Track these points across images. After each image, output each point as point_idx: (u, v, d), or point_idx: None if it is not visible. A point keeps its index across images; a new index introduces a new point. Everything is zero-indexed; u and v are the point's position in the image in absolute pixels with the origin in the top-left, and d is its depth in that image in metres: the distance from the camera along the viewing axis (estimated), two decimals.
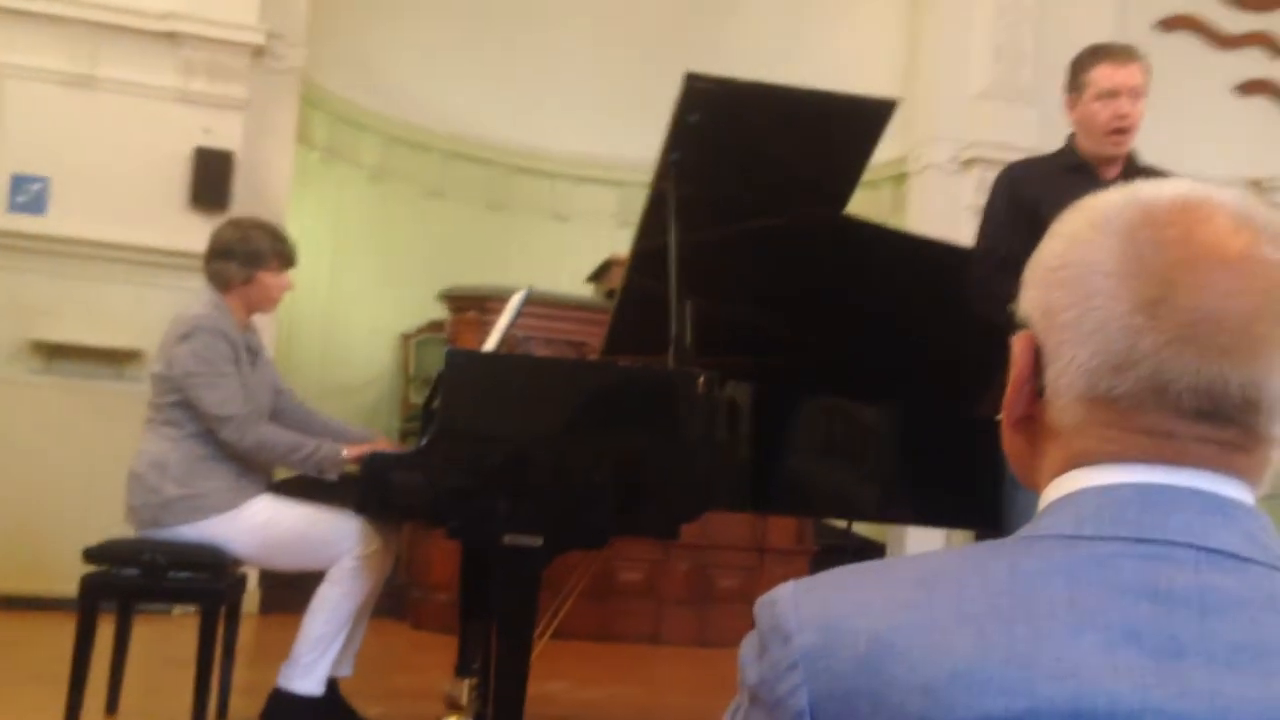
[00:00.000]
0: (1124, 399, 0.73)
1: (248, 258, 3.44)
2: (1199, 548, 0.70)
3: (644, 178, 3.28)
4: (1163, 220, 0.74)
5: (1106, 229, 0.75)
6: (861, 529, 6.46)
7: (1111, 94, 3.16)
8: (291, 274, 3.58)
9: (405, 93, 7.43)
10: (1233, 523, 0.71)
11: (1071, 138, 3.32)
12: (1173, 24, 7.32)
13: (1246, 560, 0.70)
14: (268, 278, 3.48)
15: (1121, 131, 3.17)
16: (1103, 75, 3.17)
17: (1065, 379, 0.75)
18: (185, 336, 3.31)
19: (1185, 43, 7.30)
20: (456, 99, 7.60)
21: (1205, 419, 0.72)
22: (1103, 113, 3.17)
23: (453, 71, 7.59)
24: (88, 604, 3.18)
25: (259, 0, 5.78)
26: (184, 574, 3.22)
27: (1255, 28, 7.48)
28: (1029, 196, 3.14)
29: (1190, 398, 0.72)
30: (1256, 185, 7.20)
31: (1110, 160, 3.24)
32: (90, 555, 3.22)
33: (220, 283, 3.45)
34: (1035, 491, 0.81)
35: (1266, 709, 0.65)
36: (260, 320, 3.75)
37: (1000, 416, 0.84)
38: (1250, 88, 7.48)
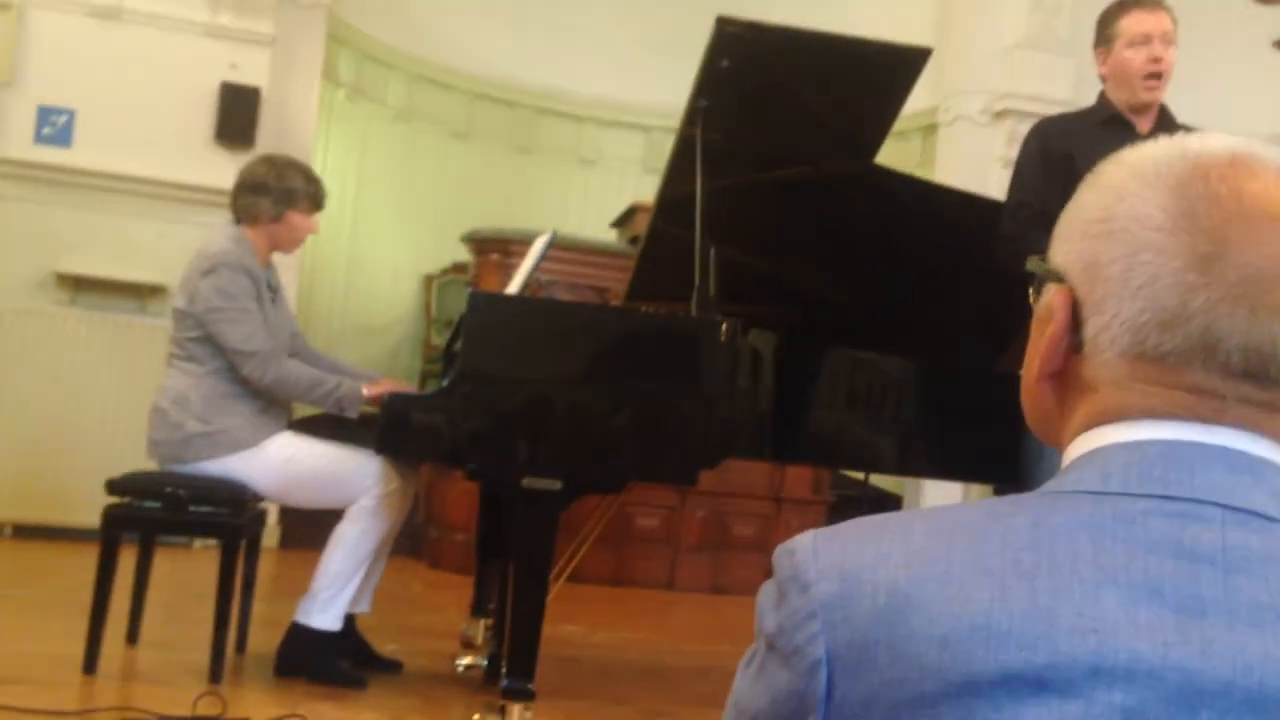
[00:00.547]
0: (1171, 355, 0.71)
1: (281, 195, 3.44)
2: (1225, 506, 0.69)
3: (672, 123, 3.26)
4: (1214, 175, 0.72)
5: (1155, 182, 0.73)
6: (879, 480, 6.47)
7: (1144, 39, 3.16)
8: (318, 217, 3.57)
9: (432, 32, 7.38)
10: (1262, 482, 0.70)
11: (1103, 94, 3.29)
12: None
13: (1273, 520, 0.69)
14: (297, 218, 3.48)
15: (1156, 76, 3.15)
16: (1134, 22, 3.17)
17: (1108, 334, 0.74)
18: (208, 271, 3.31)
19: None
20: (483, 39, 7.54)
21: (1250, 379, 0.71)
22: (1136, 58, 3.16)
23: (480, 11, 7.53)
24: (110, 535, 3.22)
25: None
26: (205, 508, 3.25)
27: None
28: (1062, 151, 3.11)
29: (1239, 356, 0.70)
30: None
31: (1145, 110, 3.21)
32: (113, 487, 3.25)
33: (249, 217, 3.45)
34: (1052, 446, 0.80)
35: None
36: (282, 260, 3.76)
37: (1023, 370, 0.82)
38: None
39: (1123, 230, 0.74)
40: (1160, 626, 0.64)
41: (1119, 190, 0.75)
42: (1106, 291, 0.74)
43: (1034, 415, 0.83)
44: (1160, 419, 0.72)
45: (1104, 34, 3.24)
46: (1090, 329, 0.75)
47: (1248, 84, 6.99)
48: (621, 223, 5.90)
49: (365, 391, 3.27)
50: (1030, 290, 0.83)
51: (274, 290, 3.52)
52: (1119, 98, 3.23)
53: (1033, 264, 0.82)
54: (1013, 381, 0.90)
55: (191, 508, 3.24)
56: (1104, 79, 3.28)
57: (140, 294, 5.49)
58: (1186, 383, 0.72)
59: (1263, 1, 6.42)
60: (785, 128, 3.27)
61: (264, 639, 3.45)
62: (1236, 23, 7.07)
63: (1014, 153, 6.76)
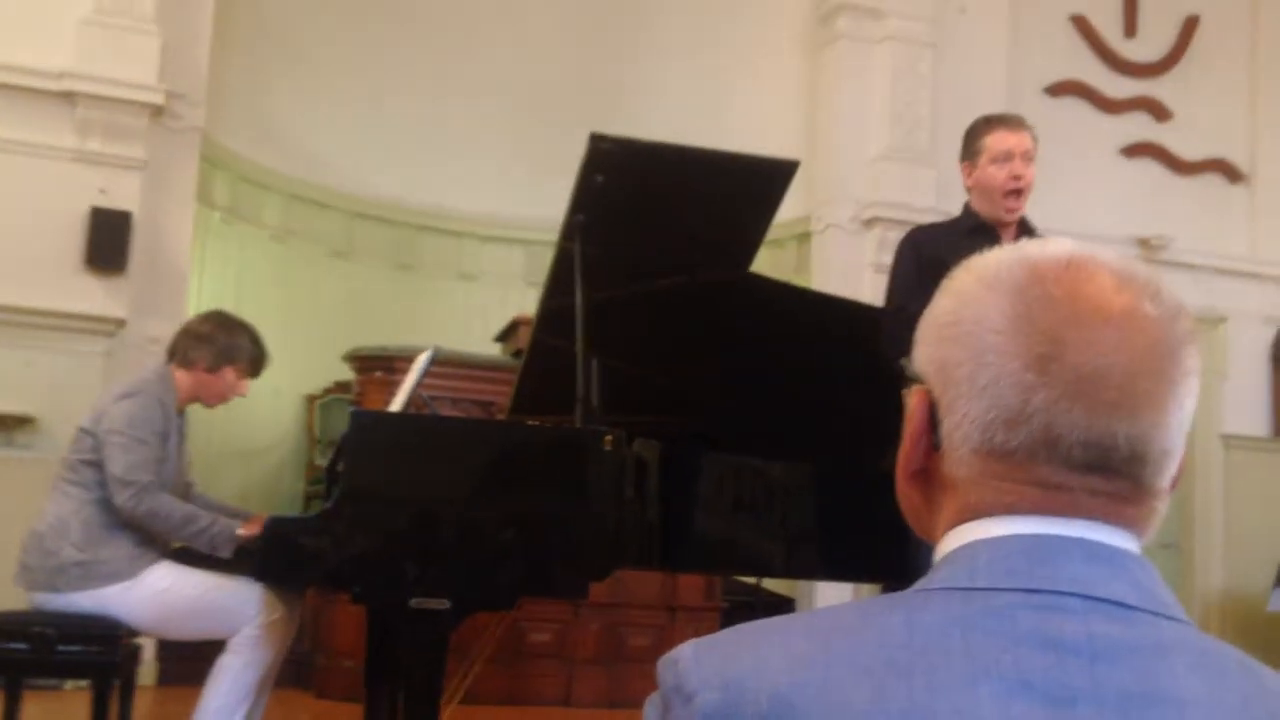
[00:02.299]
0: (1018, 452, 0.74)
1: (225, 349, 3.46)
2: (1088, 597, 0.71)
3: (551, 237, 3.29)
4: (1050, 278, 0.76)
5: (997, 287, 0.77)
6: (771, 584, 6.48)
7: (1006, 156, 3.31)
8: (249, 383, 3.58)
9: (308, 152, 7.38)
10: (1121, 572, 0.73)
11: (968, 204, 3.45)
12: (1060, 89, 7.59)
13: (1133, 608, 0.72)
14: (232, 375, 3.49)
15: (1017, 193, 3.32)
16: (997, 140, 3.34)
17: (960, 432, 0.77)
18: (125, 396, 3.30)
19: (1073, 107, 7.58)
20: (360, 158, 7.57)
21: (1095, 471, 0.74)
22: (999, 174, 3.32)
23: (356, 130, 7.56)
24: None
25: (158, 59, 5.70)
26: (75, 647, 3.11)
27: (1140, 93, 7.79)
28: (933, 257, 3.23)
29: (1080, 451, 0.73)
30: (1144, 243, 7.46)
31: (1007, 224, 3.36)
32: None
33: (184, 360, 3.44)
34: (929, 541, 0.82)
35: None
36: None
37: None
38: (1136, 150, 7.78)
39: (967, 334, 0.77)
40: (1032, 719, 0.66)
41: (964, 295, 0.79)
42: (957, 392, 0.77)
43: (907, 512, 0.86)
44: (1018, 514, 0.75)
45: (970, 148, 3.41)
46: (945, 428, 0.78)
47: (1100, 190, 7.36)
48: (504, 337, 5.91)
49: (240, 531, 3.19)
50: (904, 391, 0.86)
51: (182, 437, 3.47)
52: (983, 209, 3.39)
53: (905, 366, 0.85)
54: (894, 481, 0.92)
55: (60, 647, 3.09)
56: (969, 190, 3.44)
57: (7, 425, 5.29)
58: (1035, 478, 0.75)
59: None
60: (661, 239, 3.33)
61: None
62: (1088, 131, 7.47)
63: (884, 258, 7.01)
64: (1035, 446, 0.74)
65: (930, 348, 0.81)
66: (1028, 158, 3.33)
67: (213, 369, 3.45)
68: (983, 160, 3.34)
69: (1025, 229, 3.40)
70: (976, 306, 0.77)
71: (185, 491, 3.53)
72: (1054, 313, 0.75)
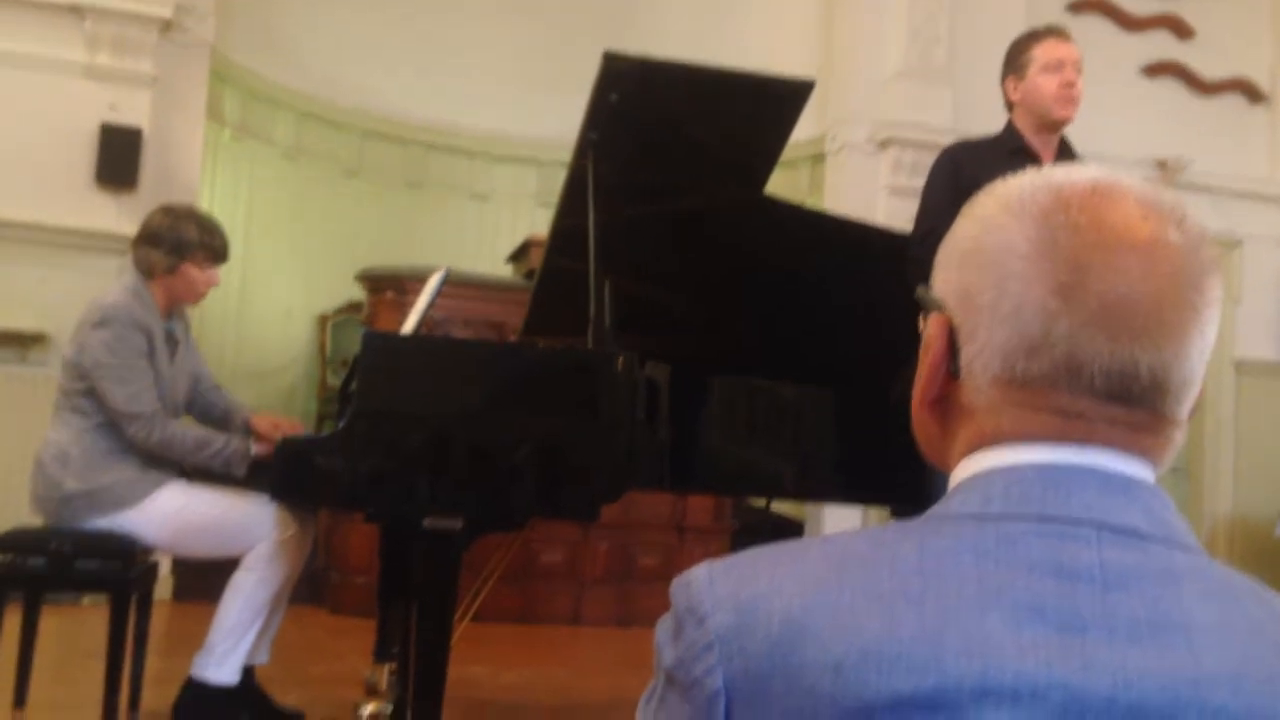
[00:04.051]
0: (1038, 380, 0.74)
1: (174, 247, 3.35)
2: (1100, 525, 0.71)
3: (564, 157, 3.26)
4: (1075, 205, 0.75)
5: (1021, 213, 0.76)
6: (780, 507, 6.53)
7: (1059, 65, 3.28)
8: (219, 270, 3.50)
9: (319, 69, 7.31)
10: (1134, 501, 0.73)
11: (1010, 123, 3.38)
12: (1082, 6, 7.45)
13: (1146, 537, 0.72)
14: (193, 270, 3.38)
15: (1070, 100, 3.26)
16: (1048, 49, 3.30)
17: (980, 360, 0.76)
18: (99, 324, 3.22)
19: (1095, 25, 7.44)
20: (371, 75, 7.49)
21: (1116, 400, 0.74)
22: (1050, 82, 3.28)
23: (367, 47, 7.48)
24: None
25: None
26: (93, 562, 3.14)
27: (1162, 10, 7.65)
28: (973, 177, 3.17)
29: (1102, 379, 0.73)
30: (1163, 165, 7.37)
31: (1055, 130, 3.33)
32: None
33: (144, 269, 3.36)
34: (941, 468, 0.82)
35: (1166, 681, 0.66)
36: None
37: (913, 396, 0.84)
38: (1158, 69, 7.65)
39: (991, 261, 0.76)
40: (1043, 645, 0.66)
41: (987, 221, 0.78)
42: (979, 320, 0.76)
43: (921, 440, 0.85)
44: (1035, 442, 0.75)
45: (1016, 62, 3.35)
46: (965, 356, 0.78)
47: (1119, 111, 7.25)
48: (516, 257, 5.89)
49: (254, 450, 3.20)
50: (920, 318, 0.85)
51: (175, 342, 3.43)
52: (1027, 127, 3.33)
53: (920, 292, 0.84)
54: (908, 405, 0.92)
55: (78, 562, 3.13)
56: (1012, 106, 3.38)
57: (21, 342, 5.32)
58: (1054, 405, 0.74)
59: None
60: (675, 160, 3.30)
61: (159, 696, 3.34)
62: (1109, 50, 7.33)
63: (900, 180, 6.94)
64: (1057, 374, 0.74)
65: (951, 273, 0.80)
66: (1078, 68, 3.29)
67: (171, 269, 3.35)
68: (1032, 70, 3.29)
69: (1067, 152, 3.36)
70: (1000, 233, 0.76)
71: (201, 386, 3.51)
72: (1078, 239, 0.74)
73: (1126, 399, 0.74)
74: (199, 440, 3.23)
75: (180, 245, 3.35)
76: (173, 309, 3.44)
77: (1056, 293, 0.73)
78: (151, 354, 3.29)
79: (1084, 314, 0.73)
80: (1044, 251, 0.74)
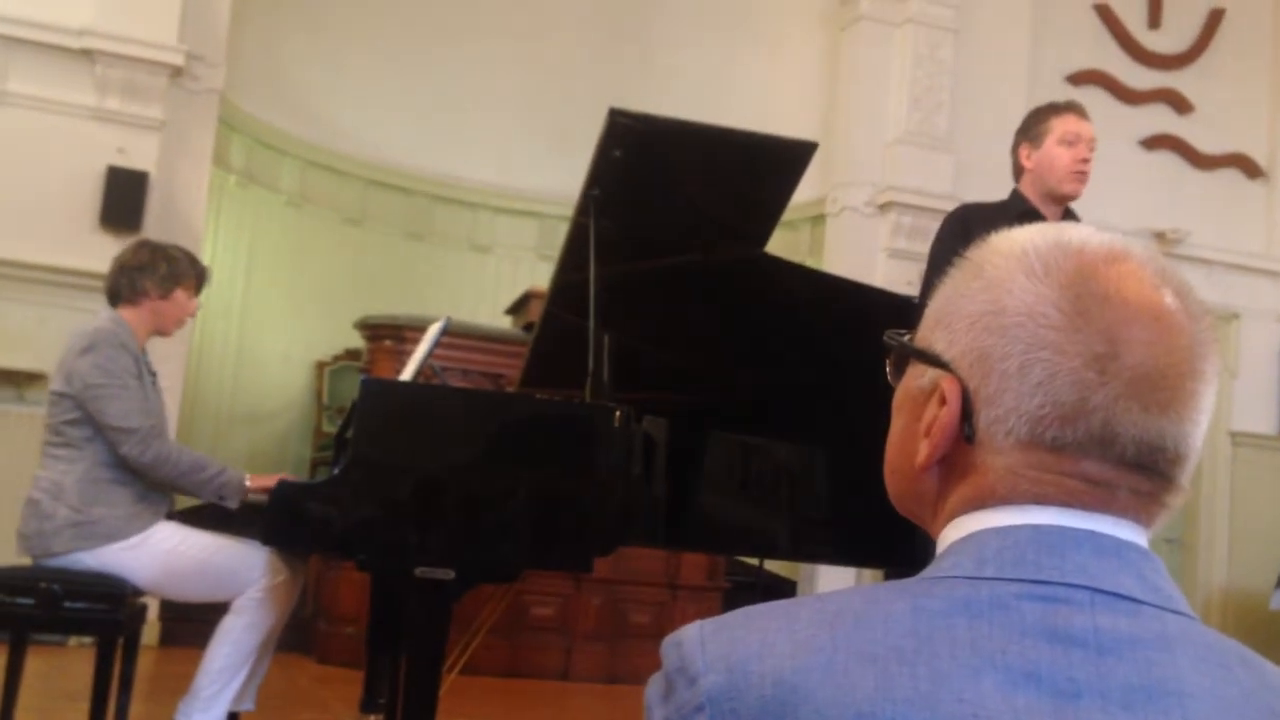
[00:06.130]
0: (1070, 446, 0.74)
1: (168, 274, 3.39)
2: (1094, 589, 0.71)
3: (565, 211, 3.29)
4: (1099, 274, 0.75)
5: (1044, 277, 0.76)
6: (773, 566, 6.50)
7: (1075, 139, 3.36)
8: (198, 301, 3.53)
9: (325, 118, 7.38)
10: (1126, 565, 0.73)
11: (1017, 190, 3.44)
12: (1082, 79, 7.54)
13: (1140, 602, 0.72)
14: (183, 296, 3.42)
15: (1082, 175, 3.33)
16: (1068, 122, 3.38)
17: (1004, 425, 0.76)
18: (86, 349, 3.22)
19: (1094, 97, 7.52)
20: (377, 126, 7.56)
21: (1141, 470, 0.75)
22: (1064, 156, 3.36)
23: (374, 98, 7.56)
24: None
25: (178, 20, 5.70)
26: (80, 604, 3.11)
27: (1161, 84, 7.74)
28: (980, 240, 3.21)
29: (1133, 449, 0.74)
30: (1161, 236, 7.43)
31: (1061, 203, 3.41)
32: None
33: (130, 297, 3.36)
34: (921, 526, 0.82)
35: None
36: (170, 345, 3.68)
37: (891, 454, 0.84)
38: (1156, 141, 7.73)
39: (1017, 325, 0.76)
40: (1037, 711, 0.66)
41: (1004, 283, 0.78)
42: (1002, 386, 0.76)
43: (910, 497, 0.84)
44: (1042, 505, 0.75)
45: (1034, 130, 3.43)
46: (984, 419, 0.77)
47: (1118, 181, 7.32)
48: (516, 309, 5.91)
49: (249, 482, 3.19)
50: (888, 367, 0.85)
51: (153, 374, 3.44)
52: (1034, 192, 3.40)
53: (902, 344, 0.84)
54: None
55: (66, 603, 3.11)
56: (1021, 174, 3.45)
57: (19, 381, 5.32)
58: (1081, 472, 0.75)
59: None
60: (677, 217, 3.32)
61: None
62: (1108, 121, 7.40)
63: (899, 243, 6.98)
64: (1090, 443, 0.74)
65: (963, 335, 0.79)
66: (1091, 146, 3.38)
67: (164, 294, 3.38)
68: (1049, 141, 3.37)
69: (1070, 218, 3.41)
70: (1023, 297, 0.76)
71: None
72: (1110, 312, 0.74)
73: (1151, 469, 0.75)
74: (195, 462, 3.22)
75: (174, 272, 3.40)
76: (146, 341, 3.45)
77: (1092, 364, 0.73)
78: (139, 377, 3.29)
79: (1119, 386, 0.73)
80: (1077, 322, 0.74)
